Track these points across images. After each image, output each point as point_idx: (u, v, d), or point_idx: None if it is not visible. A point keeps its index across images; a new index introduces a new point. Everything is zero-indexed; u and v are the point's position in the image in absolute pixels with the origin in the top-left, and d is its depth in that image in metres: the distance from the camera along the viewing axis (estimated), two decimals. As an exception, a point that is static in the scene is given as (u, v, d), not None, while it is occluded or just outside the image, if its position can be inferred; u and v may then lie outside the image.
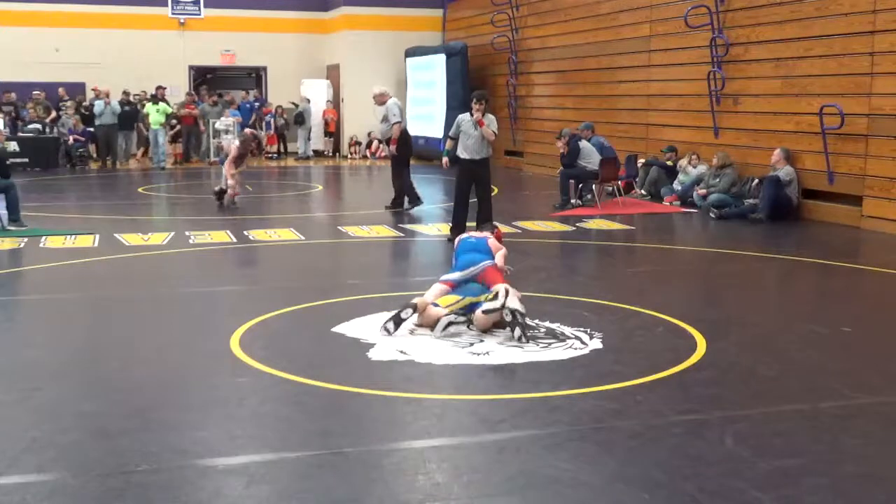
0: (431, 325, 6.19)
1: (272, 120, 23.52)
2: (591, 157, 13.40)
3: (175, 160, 21.77)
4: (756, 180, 12.52)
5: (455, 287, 6.50)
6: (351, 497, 3.72)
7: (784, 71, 12.44)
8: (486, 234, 7.18)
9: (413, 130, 22.99)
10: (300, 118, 23.12)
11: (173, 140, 21.81)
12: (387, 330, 6.08)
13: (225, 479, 3.94)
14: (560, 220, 12.00)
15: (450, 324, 6.18)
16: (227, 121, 21.98)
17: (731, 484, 3.83)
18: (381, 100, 13.31)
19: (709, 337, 6.12)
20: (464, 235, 7.29)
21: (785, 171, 11.88)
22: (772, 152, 12.42)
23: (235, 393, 5.03)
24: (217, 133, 21.97)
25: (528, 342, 5.92)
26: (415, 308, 6.16)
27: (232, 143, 13.60)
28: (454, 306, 6.28)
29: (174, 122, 21.55)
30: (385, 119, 13.11)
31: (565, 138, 13.59)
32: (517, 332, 5.95)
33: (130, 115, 21.05)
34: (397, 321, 6.10)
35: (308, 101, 23.63)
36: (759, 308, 7.35)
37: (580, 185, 13.54)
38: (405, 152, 13.25)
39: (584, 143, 13.64)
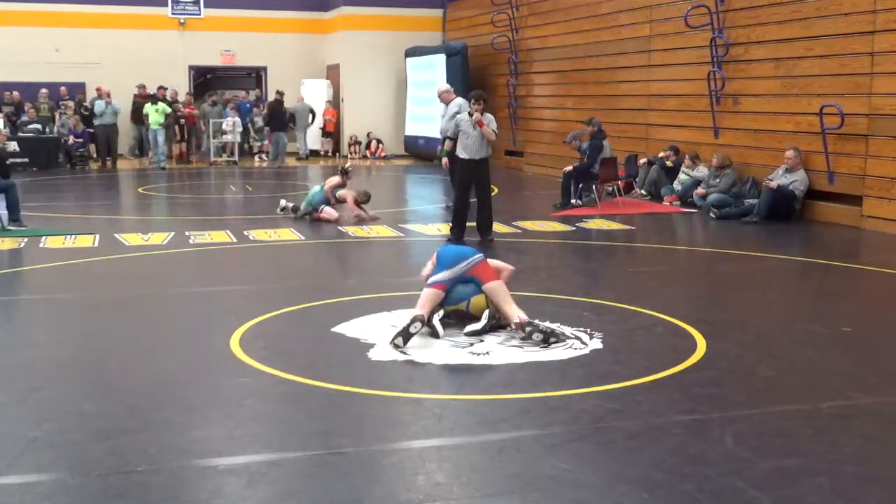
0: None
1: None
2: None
3: (179, 158, 21.83)
4: (750, 179, 12.51)
5: (446, 288, 6.23)
6: (351, 497, 3.72)
7: (784, 71, 12.44)
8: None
9: (413, 130, 23.16)
10: (292, 119, 23.07)
11: (181, 140, 21.86)
12: (396, 345, 5.81)
13: (225, 479, 3.94)
14: (560, 220, 12.00)
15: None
16: (230, 120, 21.98)
17: (731, 484, 3.83)
18: (447, 98, 12.74)
19: (709, 337, 6.12)
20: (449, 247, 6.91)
21: (801, 181, 11.71)
22: (772, 152, 12.44)
23: (235, 393, 5.03)
24: (217, 133, 21.98)
25: (554, 340, 5.92)
26: (423, 321, 5.92)
27: (347, 193, 12.34)
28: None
29: (182, 121, 21.61)
30: (451, 117, 12.19)
31: (593, 127, 13.44)
32: (536, 336, 5.90)
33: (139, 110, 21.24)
34: (406, 336, 5.82)
35: (302, 99, 23.56)
36: (759, 308, 7.34)
37: (580, 186, 13.53)
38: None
39: (606, 143, 13.55)
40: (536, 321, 6.05)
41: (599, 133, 13.50)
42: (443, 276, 6.28)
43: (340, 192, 12.30)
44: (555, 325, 6.34)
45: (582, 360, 5.62)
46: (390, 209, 13.61)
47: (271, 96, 24.69)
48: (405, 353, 5.70)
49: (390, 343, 5.87)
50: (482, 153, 10.21)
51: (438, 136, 15.10)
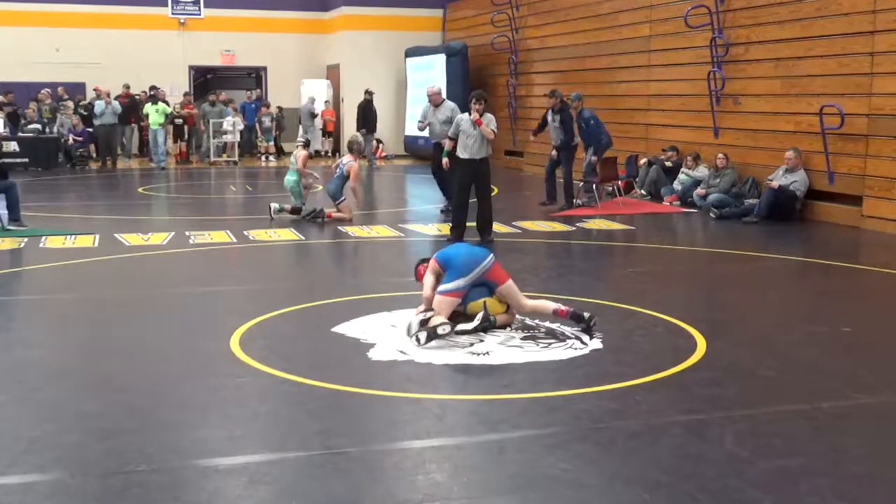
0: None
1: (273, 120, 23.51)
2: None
3: (178, 159, 21.85)
4: (750, 179, 12.53)
5: (463, 295, 6.12)
6: (351, 497, 3.72)
7: (784, 71, 12.44)
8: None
9: (413, 130, 23.12)
10: (299, 119, 23.09)
11: (176, 139, 21.88)
12: (419, 340, 5.82)
13: (225, 479, 3.94)
14: (560, 220, 12.00)
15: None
16: (230, 120, 21.98)
17: (731, 484, 3.83)
18: (436, 100, 12.48)
19: (709, 337, 6.12)
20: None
21: (801, 181, 11.72)
22: (772, 152, 12.43)
23: (235, 393, 5.03)
24: (217, 133, 21.97)
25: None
26: (451, 326, 5.91)
27: (351, 165, 11.84)
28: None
29: (179, 121, 21.65)
30: (448, 121, 11.77)
31: (557, 99, 13.33)
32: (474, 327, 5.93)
33: (130, 110, 21.18)
34: (432, 336, 5.81)
35: (312, 100, 23.57)
36: (758, 308, 7.34)
37: (581, 185, 13.51)
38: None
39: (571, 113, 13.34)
40: (584, 312, 6.17)
41: (565, 105, 13.32)
42: (457, 283, 6.11)
43: (346, 165, 11.91)
44: (555, 326, 6.35)
45: (582, 360, 5.62)
46: (390, 209, 13.62)
47: (272, 96, 24.75)
48: (405, 354, 5.70)
49: (411, 335, 5.88)
50: (482, 152, 10.20)
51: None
